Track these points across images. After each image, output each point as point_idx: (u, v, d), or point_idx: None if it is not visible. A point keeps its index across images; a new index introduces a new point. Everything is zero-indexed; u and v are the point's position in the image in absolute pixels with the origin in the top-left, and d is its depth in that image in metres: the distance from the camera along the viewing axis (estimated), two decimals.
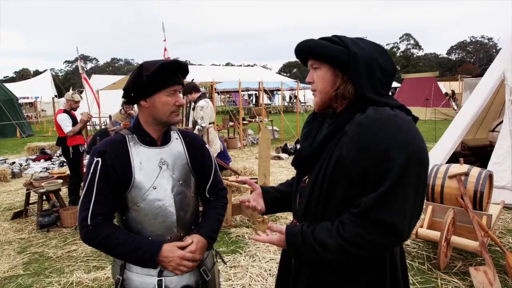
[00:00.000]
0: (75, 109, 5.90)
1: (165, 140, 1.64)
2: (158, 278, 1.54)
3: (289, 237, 1.27)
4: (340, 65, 1.22)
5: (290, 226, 1.30)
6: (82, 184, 1.51)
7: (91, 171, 1.48)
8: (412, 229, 1.16)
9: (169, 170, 1.59)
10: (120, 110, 7.67)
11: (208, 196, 1.78)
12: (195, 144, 1.72)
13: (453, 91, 21.17)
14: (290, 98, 28.89)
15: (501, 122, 6.15)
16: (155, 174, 1.56)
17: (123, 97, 1.59)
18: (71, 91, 6.11)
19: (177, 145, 1.66)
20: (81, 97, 6.17)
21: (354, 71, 1.19)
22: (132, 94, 1.54)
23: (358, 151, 1.12)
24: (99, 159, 1.48)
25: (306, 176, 1.36)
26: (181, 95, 1.59)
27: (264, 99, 17.21)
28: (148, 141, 1.58)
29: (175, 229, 1.61)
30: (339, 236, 1.14)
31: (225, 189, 1.87)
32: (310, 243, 1.19)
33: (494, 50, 55.99)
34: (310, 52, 1.27)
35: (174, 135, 1.69)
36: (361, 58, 1.19)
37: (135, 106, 1.65)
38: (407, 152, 1.07)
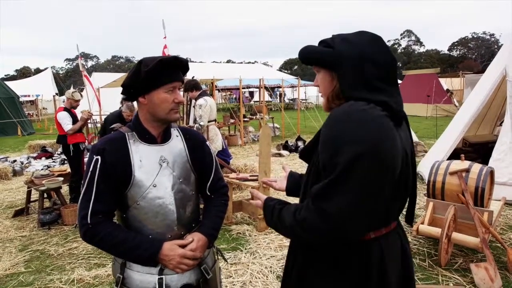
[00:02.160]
0: (75, 107, 5.91)
1: (165, 137, 1.63)
2: (159, 277, 1.54)
3: (264, 208, 1.41)
4: (330, 66, 1.24)
5: (268, 198, 1.44)
6: (82, 181, 1.50)
7: (90, 169, 1.47)
8: (363, 229, 1.15)
9: (169, 168, 1.58)
10: (120, 107, 7.67)
11: (209, 193, 1.77)
12: (195, 142, 1.71)
13: (447, 90, 21.05)
14: (281, 95, 28.07)
15: None
16: (155, 172, 1.55)
17: (122, 93, 1.58)
18: (71, 90, 6.09)
19: (177, 142, 1.65)
20: (81, 95, 6.16)
21: (339, 71, 1.21)
22: (131, 90, 1.53)
23: (321, 144, 1.17)
24: (99, 157, 1.47)
25: None
26: (180, 92, 1.57)
27: (264, 96, 17.18)
28: (148, 138, 1.57)
29: (176, 227, 1.60)
30: (293, 217, 1.20)
31: (226, 186, 1.86)
32: (275, 218, 1.32)
33: (496, 46, 55.73)
34: (304, 59, 1.32)
35: (175, 132, 1.68)
36: (347, 57, 1.19)
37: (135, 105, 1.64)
38: (358, 148, 1.06)
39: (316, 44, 1.32)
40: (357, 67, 1.19)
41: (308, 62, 1.31)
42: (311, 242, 1.23)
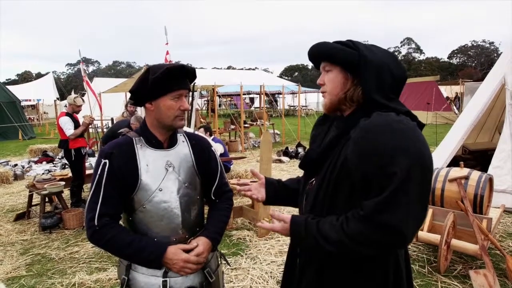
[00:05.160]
0: (77, 112, 5.94)
1: (171, 142, 1.67)
2: (163, 279, 1.57)
3: (293, 226, 1.29)
4: (351, 67, 1.24)
5: (295, 215, 1.33)
6: (89, 185, 1.54)
7: (98, 172, 1.51)
8: (416, 233, 1.18)
9: (175, 173, 1.62)
10: (123, 113, 7.73)
11: (213, 198, 1.81)
12: (201, 147, 1.75)
13: (456, 93, 21.17)
14: (271, 102, 27.59)
15: None
16: (161, 176, 1.58)
17: (130, 98, 1.62)
18: (73, 95, 6.13)
19: (183, 147, 1.69)
20: (83, 100, 6.21)
21: (364, 74, 1.22)
22: (138, 96, 1.58)
23: (361, 155, 1.14)
24: (107, 160, 1.51)
25: (313, 178, 1.38)
26: (186, 100, 1.61)
27: (263, 103, 17.26)
28: (154, 143, 1.61)
29: (181, 231, 1.64)
30: (342, 231, 1.16)
31: (231, 191, 1.89)
32: (313, 234, 1.22)
33: (495, 54, 55.89)
34: (322, 54, 1.30)
35: (181, 137, 1.72)
36: (372, 62, 1.21)
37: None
38: (409, 157, 1.08)
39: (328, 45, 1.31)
40: (380, 75, 1.22)
41: (326, 58, 1.29)
42: (365, 253, 1.18)
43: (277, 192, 1.66)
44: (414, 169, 1.08)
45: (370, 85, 1.21)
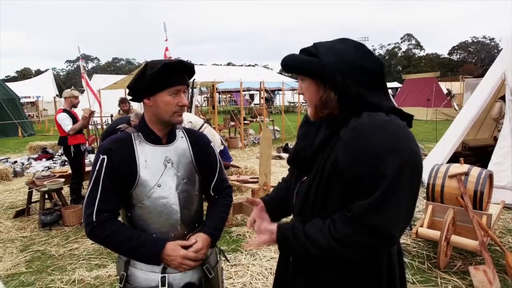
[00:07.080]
0: (76, 105, 5.89)
1: (170, 138, 1.66)
2: (162, 275, 1.56)
3: (279, 235, 1.29)
4: (318, 76, 1.23)
5: (280, 224, 1.33)
6: (87, 181, 1.53)
7: (96, 168, 1.51)
8: (403, 232, 1.18)
9: (173, 168, 1.61)
10: (119, 110, 7.71)
11: (213, 194, 1.80)
12: (200, 143, 1.74)
13: (448, 90, 21.02)
14: (267, 100, 27.24)
15: None
16: (160, 172, 1.58)
17: (128, 94, 1.61)
18: (68, 89, 6.06)
19: (182, 143, 1.68)
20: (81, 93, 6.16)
21: (331, 81, 1.20)
22: (136, 92, 1.57)
23: (352, 156, 1.13)
24: (105, 156, 1.51)
25: (305, 177, 1.36)
26: (184, 96, 1.60)
27: (263, 99, 17.24)
28: (153, 139, 1.60)
29: (179, 227, 1.63)
30: (330, 236, 1.15)
31: (230, 187, 1.89)
32: (301, 240, 1.21)
33: (495, 51, 55.81)
34: (290, 68, 1.30)
35: (180, 133, 1.71)
36: (334, 67, 1.18)
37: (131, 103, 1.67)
38: (400, 157, 1.07)
39: (298, 52, 1.31)
40: (347, 76, 1.18)
41: (293, 71, 1.29)
42: (354, 257, 1.17)
43: (277, 209, 1.58)
44: (405, 169, 1.08)
45: (341, 88, 1.19)
